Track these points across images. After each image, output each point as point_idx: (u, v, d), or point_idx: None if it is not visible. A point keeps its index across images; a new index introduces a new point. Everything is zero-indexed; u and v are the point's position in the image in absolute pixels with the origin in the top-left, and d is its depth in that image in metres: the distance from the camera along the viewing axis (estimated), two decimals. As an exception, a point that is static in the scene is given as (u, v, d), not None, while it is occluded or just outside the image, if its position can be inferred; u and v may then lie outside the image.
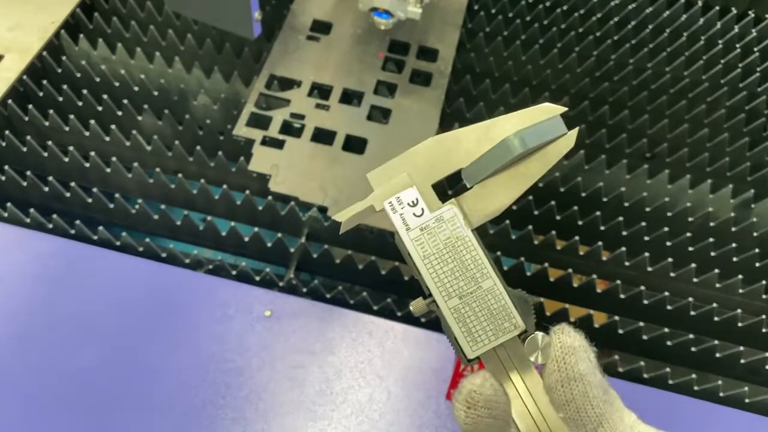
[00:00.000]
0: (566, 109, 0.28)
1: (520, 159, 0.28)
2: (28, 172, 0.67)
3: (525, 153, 0.28)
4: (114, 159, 0.68)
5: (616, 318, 0.63)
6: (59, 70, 0.77)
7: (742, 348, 0.61)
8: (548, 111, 0.28)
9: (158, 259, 0.63)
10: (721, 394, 0.60)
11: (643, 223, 0.69)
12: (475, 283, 0.28)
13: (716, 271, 0.66)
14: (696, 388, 0.60)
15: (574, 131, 0.28)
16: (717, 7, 0.90)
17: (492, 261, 0.28)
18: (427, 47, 0.82)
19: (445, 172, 0.28)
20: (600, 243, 0.67)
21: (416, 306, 0.29)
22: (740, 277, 0.66)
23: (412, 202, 0.28)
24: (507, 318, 0.28)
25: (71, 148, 0.68)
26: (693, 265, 0.66)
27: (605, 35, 0.88)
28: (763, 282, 0.66)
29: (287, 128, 0.72)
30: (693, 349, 0.62)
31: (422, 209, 0.28)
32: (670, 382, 0.60)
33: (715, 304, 0.64)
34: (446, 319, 0.28)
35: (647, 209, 0.71)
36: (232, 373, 0.56)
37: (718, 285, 0.67)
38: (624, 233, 0.69)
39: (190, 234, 0.68)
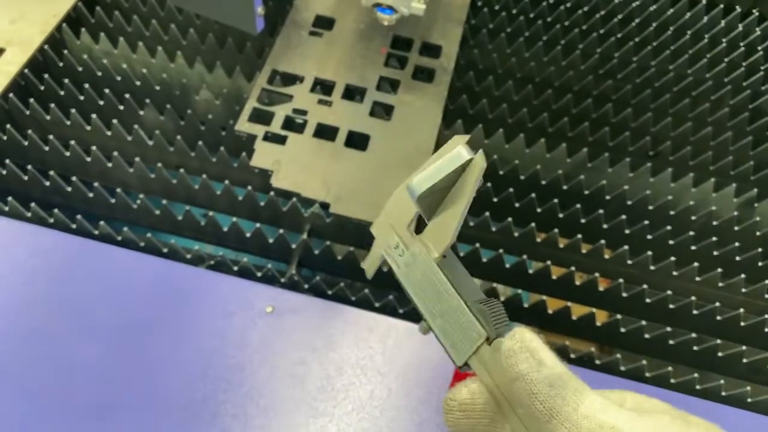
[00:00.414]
0: (468, 137, 0.30)
1: (442, 192, 0.31)
2: (29, 167, 0.67)
3: (432, 189, 0.30)
4: (115, 153, 0.68)
5: (618, 316, 0.62)
6: (61, 64, 0.76)
7: (744, 347, 0.61)
8: (456, 143, 0.30)
9: (159, 255, 0.63)
10: (723, 394, 0.60)
11: (646, 222, 0.69)
12: (446, 303, 0.31)
13: (719, 270, 0.66)
14: (698, 387, 0.60)
15: (479, 154, 0.30)
16: (721, 6, 0.90)
17: (458, 281, 0.31)
18: (430, 43, 0.82)
19: (411, 214, 0.32)
20: (602, 241, 0.67)
21: (422, 328, 0.33)
22: (743, 276, 0.66)
23: (396, 245, 0.33)
24: (473, 328, 0.30)
25: (72, 142, 0.68)
26: (695, 264, 0.66)
27: (609, 33, 0.88)
28: (766, 281, 0.66)
29: (289, 124, 0.72)
30: (695, 348, 0.62)
31: (403, 250, 0.33)
32: (672, 381, 0.60)
33: (717, 303, 0.63)
34: (437, 335, 0.32)
35: (650, 207, 0.71)
36: (233, 368, 0.56)
37: (720, 284, 0.67)
38: (626, 231, 0.69)
39: (192, 229, 0.68)
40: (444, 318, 0.31)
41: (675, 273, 0.67)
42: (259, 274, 0.63)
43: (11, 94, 0.71)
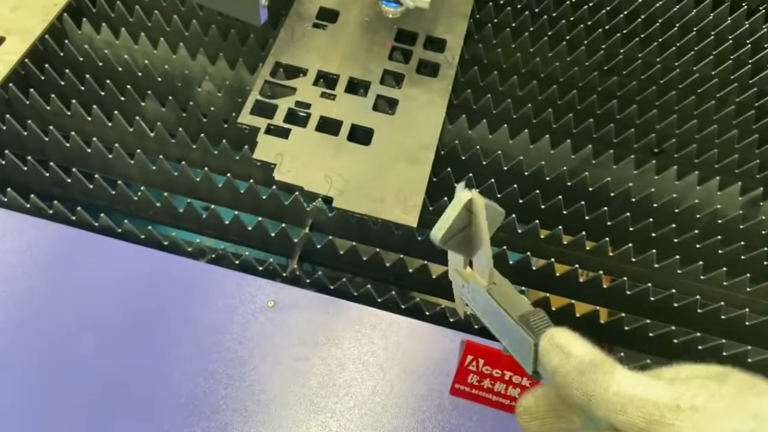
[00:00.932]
0: (463, 182, 0.35)
1: (465, 233, 0.34)
2: (29, 157, 0.66)
3: (450, 234, 0.34)
4: (116, 145, 0.67)
5: (622, 314, 0.62)
6: (61, 54, 0.76)
7: (749, 347, 0.61)
8: (458, 190, 0.34)
9: (160, 248, 0.62)
10: (727, 393, 0.59)
11: (650, 219, 0.68)
12: (503, 323, 0.34)
13: (723, 269, 0.65)
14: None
15: (475, 193, 0.33)
16: (727, 3, 0.90)
17: (506, 301, 0.34)
18: (435, 37, 0.81)
19: (463, 258, 0.37)
20: (606, 239, 0.66)
21: (502, 349, 0.36)
22: (748, 275, 0.65)
23: (462, 284, 0.37)
24: (524, 339, 0.33)
25: (73, 133, 0.67)
26: (700, 262, 0.66)
27: (614, 29, 0.88)
28: (771, 281, 0.65)
29: (292, 117, 0.71)
30: (699, 347, 0.61)
31: (467, 287, 0.37)
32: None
33: (722, 303, 0.63)
34: (510, 353, 0.35)
35: (654, 205, 0.71)
36: (233, 363, 0.56)
37: (725, 283, 0.66)
38: (631, 229, 0.68)
39: (193, 222, 0.67)
40: (507, 336, 0.34)
41: (679, 271, 0.66)
42: (260, 268, 0.63)
43: (11, 84, 0.70)
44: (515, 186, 0.69)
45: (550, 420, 0.33)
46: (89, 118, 0.70)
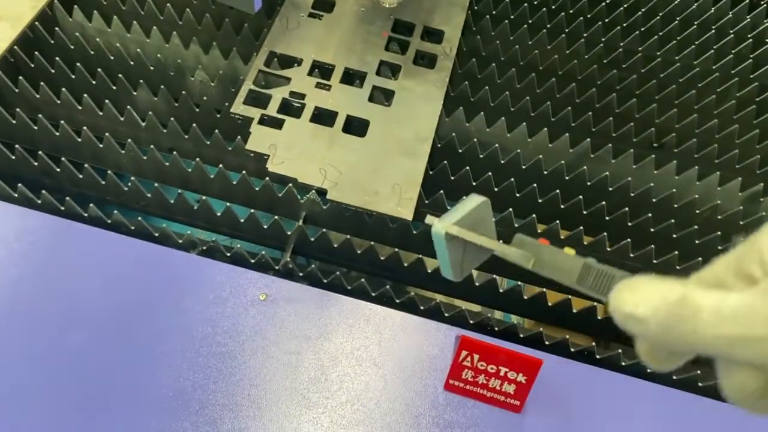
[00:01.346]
0: (428, 216, 0.35)
1: (469, 251, 0.35)
2: (17, 146, 0.65)
3: (458, 267, 0.35)
4: (107, 134, 0.66)
5: (620, 311, 0.61)
6: (52, 41, 0.74)
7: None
8: (430, 224, 0.34)
9: (150, 239, 0.61)
10: (726, 391, 0.58)
11: (649, 215, 0.67)
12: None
13: (723, 265, 0.65)
14: (701, 384, 0.58)
15: (444, 222, 0.33)
16: (729, -4, 0.89)
17: (557, 270, 0.33)
18: (433, 28, 0.80)
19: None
20: (605, 234, 0.65)
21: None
22: (747, 272, 0.65)
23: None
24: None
25: (63, 122, 0.66)
26: (699, 258, 0.65)
27: (614, 22, 0.86)
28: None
29: (286, 107, 0.70)
30: (698, 344, 0.60)
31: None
32: (675, 377, 0.59)
33: (721, 299, 0.62)
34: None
35: (653, 200, 0.70)
36: (224, 357, 0.55)
37: (724, 279, 0.65)
38: (629, 224, 0.67)
39: (184, 213, 0.66)
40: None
41: (678, 267, 0.65)
42: (252, 261, 0.62)
43: (0, 71, 0.69)
44: (512, 180, 0.68)
45: (674, 357, 0.31)
46: (79, 107, 0.69)
